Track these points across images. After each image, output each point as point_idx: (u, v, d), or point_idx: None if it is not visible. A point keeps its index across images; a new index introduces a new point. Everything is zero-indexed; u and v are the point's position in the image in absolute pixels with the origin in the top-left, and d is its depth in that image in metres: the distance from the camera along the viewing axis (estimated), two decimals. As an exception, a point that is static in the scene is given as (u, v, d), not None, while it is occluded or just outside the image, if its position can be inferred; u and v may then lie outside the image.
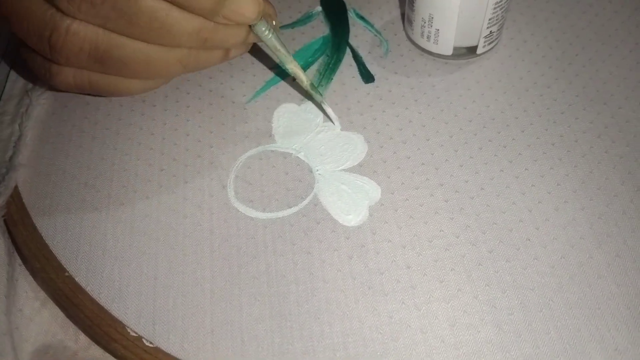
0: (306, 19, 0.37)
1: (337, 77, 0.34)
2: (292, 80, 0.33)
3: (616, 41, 0.34)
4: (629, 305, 0.25)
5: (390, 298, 0.25)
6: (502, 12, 0.32)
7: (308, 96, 0.32)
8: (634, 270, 0.26)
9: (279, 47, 0.29)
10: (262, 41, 0.29)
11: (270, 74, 0.34)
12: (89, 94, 0.32)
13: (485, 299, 0.25)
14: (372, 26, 0.36)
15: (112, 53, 0.26)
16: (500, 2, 0.31)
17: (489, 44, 0.34)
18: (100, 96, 0.32)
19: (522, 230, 0.27)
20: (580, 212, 0.28)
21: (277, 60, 0.33)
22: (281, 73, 0.34)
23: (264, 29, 0.28)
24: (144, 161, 0.30)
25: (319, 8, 0.37)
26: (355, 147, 0.30)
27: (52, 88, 0.32)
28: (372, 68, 0.34)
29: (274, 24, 0.29)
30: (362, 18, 0.37)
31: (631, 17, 0.36)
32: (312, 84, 0.31)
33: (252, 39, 0.29)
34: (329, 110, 0.31)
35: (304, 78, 0.30)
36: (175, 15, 0.25)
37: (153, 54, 0.26)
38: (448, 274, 0.26)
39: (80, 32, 0.25)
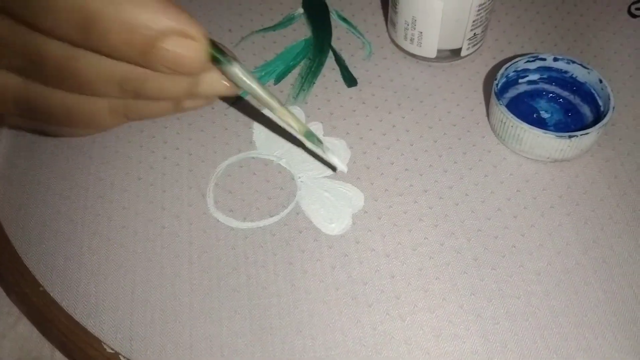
0: (287, 21, 0.36)
1: (319, 80, 0.33)
2: (273, 84, 0.33)
3: (602, 41, 0.34)
4: (615, 312, 0.24)
5: (374, 309, 0.25)
6: (486, 13, 0.32)
7: (300, 142, 0.27)
8: (621, 276, 0.25)
9: (260, 93, 0.22)
10: (226, 89, 0.23)
11: (251, 79, 0.33)
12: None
13: (471, 308, 0.25)
14: (355, 28, 0.36)
15: (36, 104, 0.23)
16: (484, 3, 0.31)
17: (473, 46, 0.33)
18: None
19: (507, 237, 0.27)
20: (566, 217, 0.27)
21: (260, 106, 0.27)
22: (262, 78, 0.33)
23: (236, 70, 0.22)
24: (121, 170, 0.29)
25: (301, 10, 0.36)
26: (338, 153, 0.30)
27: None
28: (355, 71, 0.33)
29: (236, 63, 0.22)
30: (344, 20, 0.36)
31: (616, 18, 0.35)
32: (308, 132, 0.24)
33: (205, 90, 0.23)
34: (334, 159, 0.25)
35: (295, 126, 0.24)
36: (87, 61, 0.21)
37: (76, 104, 0.23)
38: (432, 282, 0.25)
39: (2, 80, 0.23)
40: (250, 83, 0.22)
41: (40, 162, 0.30)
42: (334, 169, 0.29)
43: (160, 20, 0.20)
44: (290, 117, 0.24)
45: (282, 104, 0.23)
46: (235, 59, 0.22)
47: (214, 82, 0.23)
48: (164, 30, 0.20)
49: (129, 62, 0.21)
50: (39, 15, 0.20)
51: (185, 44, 0.20)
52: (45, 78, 0.23)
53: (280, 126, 0.31)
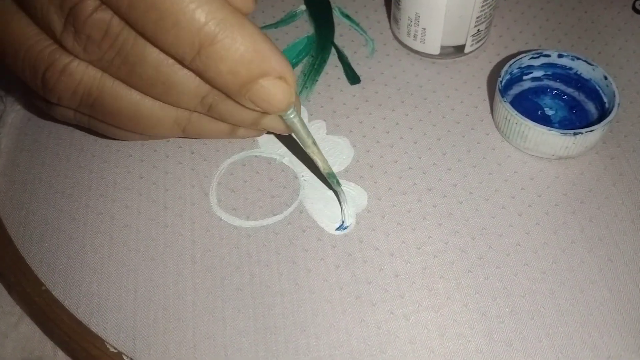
0: (290, 18, 0.36)
1: (322, 78, 0.33)
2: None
3: (606, 38, 0.34)
4: (621, 310, 0.24)
5: (378, 308, 0.25)
6: (490, 9, 0.31)
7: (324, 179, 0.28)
8: (626, 274, 0.25)
9: (300, 131, 0.25)
10: (282, 129, 0.26)
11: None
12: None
13: (475, 307, 0.24)
14: (357, 25, 0.35)
15: (104, 101, 0.24)
16: (488, 0, 0.30)
17: (477, 42, 0.33)
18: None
19: (512, 235, 0.26)
20: (572, 215, 0.27)
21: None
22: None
23: (295, 121, 0.24)
24: (123, 168, 0.29)
25: (303, 7, 0.36)
26: (342, 151, 0.30)
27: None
28: (357, 69, 0.33)
29: (298, 106, 0.25)
30: (347, 16, 0.36)
31: (620, 14, 0.35)
32: (330, 173, 0.26)
33: (266, 125, 0.26)
34: (345, 207, 0.27)
35: (321, 165, 0.26)
36: (183, 74, 0.23)
37: (146, 108, 0.24)
38: (437, 281, 0.25)
39: (77, 74, 0.23)
40: (302, 133, 0.25)
41: (42, 161, 0.29)
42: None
43: (269, 60, 0.22)
44: (319, 158, 0.26)
45: (316, 144, 0.25)
46: (299, 109, 0.25)
47: (275, 121, 0.25)
48: (268, 70, 0.22)
49: (222, 89, 0.23)
50: (157, 28, 0.21)
51: (280, 85, 0.22)
52: (135, 80, 0.23)
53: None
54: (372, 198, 0.28)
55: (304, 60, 0.34)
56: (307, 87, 0.32)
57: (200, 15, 0.20)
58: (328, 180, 0.27)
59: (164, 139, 0.30)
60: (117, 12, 0.21)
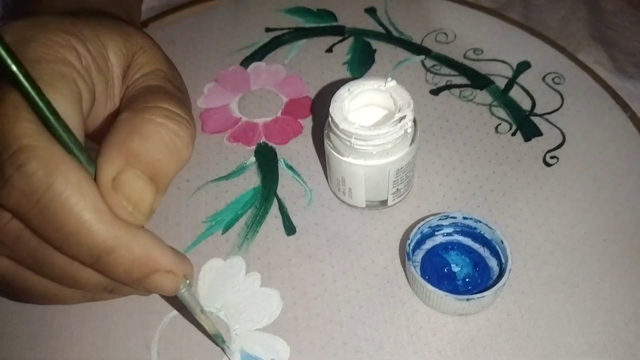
0: (240, 170, 0.41)
1: (262, 228, 0.37)
2: (221, 234, 0.37)
3: (515, 191, 0.38)
4: None
5: None
6: (406, 173, 0.36)
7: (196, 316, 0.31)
8: None
9: (188, 301, 0.29)
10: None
11: (202, 228, 0.37)
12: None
13: None
14: (299, 176, 0.40)
15: (17, 284, 0.28)
16: (402, 167, 0.35)
17: (398, 197, 0.37)
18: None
19: (411, 391, 0.30)
20: (466, 372, 0.30)
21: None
22: (211, 228, 0.37)
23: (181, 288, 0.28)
24: (80, 321, 0.33)
25: (253, 159, 0.41)
26: (272, 304, 0.34)
27: None
28: (295, 219, 0.38)
29: (189, 282, 0.28)
30: (290, 168, 0.41)
31: (531, 167, 0.39)
32: (216, 335, 0.31)
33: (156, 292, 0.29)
34: (231, 357, 0.32)
35: (208, 328, 0.30)
36: (88, 272, 0.26)
37: (57, 291, 0.28)
38: None
39: None
40: (191, 304, 0.29)
41: (11, 313, 0.34)
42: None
43: (158, 260, 0.25)
44: (206, 323, 0.30)
45: (203, 311, 0.29)
46: (191, 280, 0.28)
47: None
48: (158, 268, 0.25)
49: (119, 281, 0.26)
50: (62, 244, 0.24)
51: (168, 277, 0.26)
52: (44, 274, 0.27)
53: (223, 276, 0.35)
54: (294, 352, 0.32)
55: (249, 212, 0.38)
56: (247, 239, 0.37)
57: (98, 234, 0.24)
58: (216, 339, 0.31)
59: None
60: (27, 226, 0.25)
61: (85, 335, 0.33)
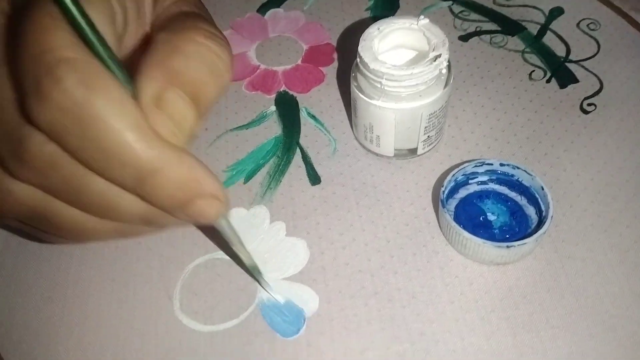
0: (260, 119, 0.39)
1: (285, 178, 0.36)
2: (243, 183, 0.35)
3: (552, 139, 0.36)
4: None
5: (319, 414, 0.27)
6: (439, 119, 0.34)
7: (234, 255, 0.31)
8: (553, 382, 0.27)
9: (227, 232, 0.27)
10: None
11: (222, 177, 0.36)
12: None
13: (409, 414, 0.26)
14: (322, 125, 0.38)
15: (47, 218, 0.26)
16: (434, 112, 0.33)
17: (429, 145, 0.35)
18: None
19: (448, 341, 0.28)
20: (505, 321, 0.29)
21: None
22: (233, 177, 0.36)
23: (222, 223, 0.27)
24: (97, 270, 0.32)
25: (273, 107, 0.39)
26: (298, 253, 0.32)
27: None
28: (319, 169, 0.36)
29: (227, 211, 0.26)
30: (313, 117, 0.39)
31: (568, 114, 0.37)
32: (253, 267, 0.29)
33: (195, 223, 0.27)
34: (268, 290, 0.30)
35: (246, 261, 0.29)
36: (126, 198, 0.24)
37: (89, 224, 0.26)
38: (375, 388, 0.27)
39: (20, 195, 0.25)
40: (229, 235, 0.27)
41: (25, 264, 0.32)
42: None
43: (203, 184, 0.23)
44: (244, 255, 0.28)
45: (241, 242, 0.28)
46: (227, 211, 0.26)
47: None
48: (203, 192, 0.23)
49: (161, 208, 0.24)
50: (104, 166, 0.22)
51: (213, 203, 0.24)
52: (79, 204, 0.25)
53: (246, 226, 0.33)
54: (323, 301, 0.30)
55: (271, 161, 0.36)
56: (271, 188, 0.35)
57: (142, 154, 0.22)
58: (253, 272, 0.30)
59: (137, 238, 0.33)
60: (64, 149, 0.23)
61: (104, 286, 0.31)
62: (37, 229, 0.28)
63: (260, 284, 0.31)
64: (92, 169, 0.23)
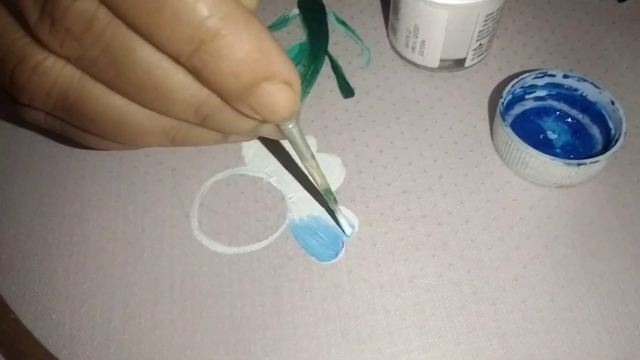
0: (282, 22, 0.34)
1: (314, 90, 0.31)
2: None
3: (613, 55, 0.32)
4: (618, 355, 0.23)
5: (365, 347, 0.23)
6: (494, 23, 0.30)
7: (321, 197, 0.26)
8: (626, 316, 0.24)
9: (299, 143, 0.23)
10: (278, 136, 0.24)
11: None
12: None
13: (468, 348, 0.23)
14: (353, 32, 0.33)
15: (83, 106, 0.21)
16: (491, 13, 0.29)
17: (478, 56, 0.31)
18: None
19: (508, 269, 0.25)
20: (571, 249, 0.26)
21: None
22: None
23: (294, 131, 0.22)
24: (99, 186, 0.27)
25: (296, 11, 0.34)
26: (333, 171, 0.28)
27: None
28: (352, 80, 0.31)
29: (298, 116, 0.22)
30: (342, 23, 0.34)
31: (629, 29, 0.33)
32: (327, 190, 0.25)
33: (264, 132, 0.23)
34: (342, 221, 0.26)
35: (318, 180, 0.24)
36: (177, 79, 0.20)
37: (132, 116, 0.21)
38: (428, 319, 0.24)
39: (52, 73, 0.20)
40: (301, 146, 0.23)
41: (13, 175, 0.28)
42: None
43: (276, 62, 0.19)
44: (317, 173, 0.24)
45: (314, 158, 0.24)
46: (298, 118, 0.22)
47: (272, 128, 0.23)
48: (274, 73, 0.19)
49: (220, 92, 0.20)
50: (152, 21, 0.18)
51: (285, 91, 0.20)
52: (122, 83, 0.20)
53: (270, 141, 0.29)
54: (363, 224, 0.26)
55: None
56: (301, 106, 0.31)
57: (203, 7, 0.18)
58: (325, 196, 0.25)
59: (146, 149, 0.28)
60: (104, 0, 0.18)
61: (108, 203, 0.27)
62: (69, 124, 0.23)
63: (335, 212, 0.26)
64: (137, 27, 0.18)
